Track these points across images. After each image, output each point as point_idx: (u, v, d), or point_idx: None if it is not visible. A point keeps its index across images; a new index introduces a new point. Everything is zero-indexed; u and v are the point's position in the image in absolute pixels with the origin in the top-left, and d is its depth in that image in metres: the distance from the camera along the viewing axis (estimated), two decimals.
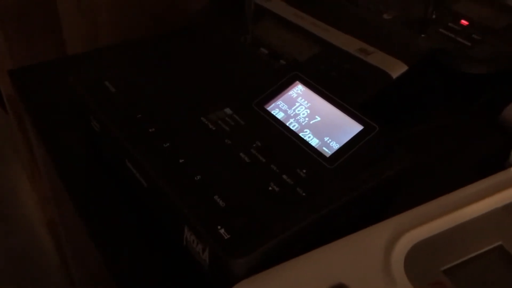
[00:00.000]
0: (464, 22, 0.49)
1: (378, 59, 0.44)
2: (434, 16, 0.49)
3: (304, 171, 0.33)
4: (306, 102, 0.37)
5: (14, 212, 1.20)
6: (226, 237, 0.28)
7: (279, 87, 0.39)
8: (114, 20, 0.62)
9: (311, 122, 0.36)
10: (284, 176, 0.32)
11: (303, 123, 0.36)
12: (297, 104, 0.37)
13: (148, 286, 0.33)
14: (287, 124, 0.36)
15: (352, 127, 0.35)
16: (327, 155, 0.34)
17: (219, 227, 0.29)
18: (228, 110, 0.37)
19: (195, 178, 0.32)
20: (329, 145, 0.34)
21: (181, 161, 0.33)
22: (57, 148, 0.43)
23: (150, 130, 0.35)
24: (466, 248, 0.28)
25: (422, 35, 0.48)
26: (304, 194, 0.31)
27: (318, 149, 0.34)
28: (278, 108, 0.38)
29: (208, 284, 0.31)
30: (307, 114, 0.37)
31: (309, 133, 0.35)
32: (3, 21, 0.57)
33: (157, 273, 0.33)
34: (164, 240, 0.34)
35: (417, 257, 0.28)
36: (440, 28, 0.49)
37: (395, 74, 0.42)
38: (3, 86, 0.81)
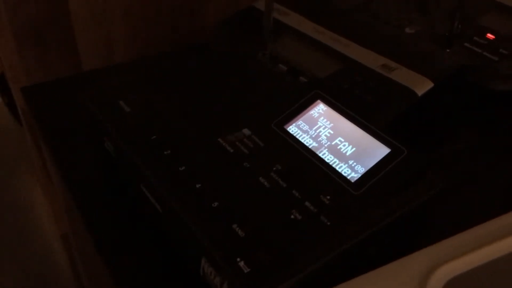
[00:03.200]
0: (490, 36, 0.47)
1: (402, 75, 0.42)
2: (459, 30, 0.47)
3: (328, 197, 0.31)
4: (328, 122, 0.36)
5: (29, 226, 1.19)
6: (246, 271, 0.27)
7: (300, 107, 0.37)
8: (129, 34, 0.61)
9: (334, 144, 0.34)
10: (307, 203, 0.30)
11: (325, 145, 0.34)
12: (319, 124, 0.36)
13: None
14: (309, 146, 0.34)
15: (379, 150, 0.33)
16: (352, 180, 0.32)
17: (238, 259, 0.27)
18: (246, 131, 0.36)
19: (213, 204, 0.30)
20: (354, 169, 0.32)
21: (197, 186, 0.31)
22: (69, 168, 0.41)
23: (165, 152, 0.34)
24: (510, 283, 0.26)
25: (447, 50, 0.46)
26: (328, 223, 0.29)
27: (343, 173, 0.32)
28: (298, 129, 0.36)
29: None
30: (330, 135, 0.35)
31: (332, 156, 0.34)
32: (18, 38, 0.57)
33: None
34: (181, 269, 0.33)
35: None
36: (465, 42, 0.47)
37: (420, 92, 0.40)
38: (18, 100, 0.81)
